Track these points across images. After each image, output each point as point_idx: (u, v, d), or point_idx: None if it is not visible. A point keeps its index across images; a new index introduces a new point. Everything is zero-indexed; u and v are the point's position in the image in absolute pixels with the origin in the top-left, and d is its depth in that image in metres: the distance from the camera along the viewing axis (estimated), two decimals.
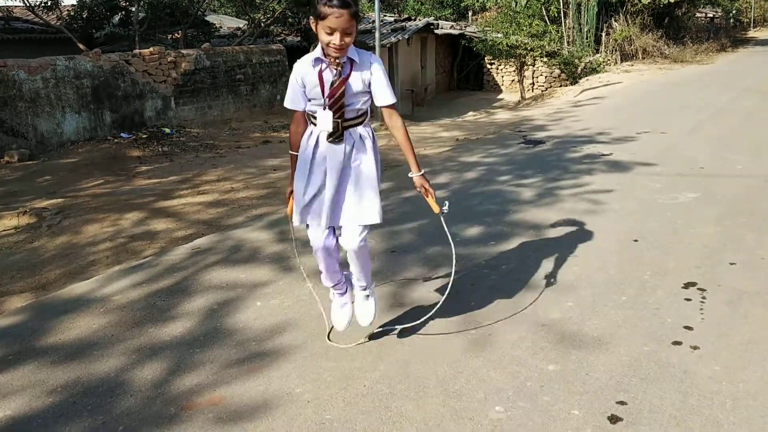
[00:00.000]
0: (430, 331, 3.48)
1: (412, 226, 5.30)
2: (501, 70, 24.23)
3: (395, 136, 2.96)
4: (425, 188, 2.98)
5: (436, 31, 22.58)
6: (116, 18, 15.87)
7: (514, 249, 4.72)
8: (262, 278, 4.35)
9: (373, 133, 2.96)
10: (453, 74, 25.71)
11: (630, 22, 24.52)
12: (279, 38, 17.70)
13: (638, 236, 4.88)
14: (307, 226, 2.99)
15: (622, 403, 2.80)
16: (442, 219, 3.08)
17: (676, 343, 3.30)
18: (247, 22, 18.57)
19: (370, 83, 2.81)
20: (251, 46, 14.27)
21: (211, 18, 19.26)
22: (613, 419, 2.69)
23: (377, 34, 14.22)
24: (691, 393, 2.86)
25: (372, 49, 14.06)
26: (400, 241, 4.97)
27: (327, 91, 2.75)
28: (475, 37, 21.99)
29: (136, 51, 11.47)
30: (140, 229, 5.78)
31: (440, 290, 3.97)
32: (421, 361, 3.17)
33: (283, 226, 5.51)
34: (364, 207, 2.89)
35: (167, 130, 10.95)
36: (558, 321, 3.56)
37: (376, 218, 2.91)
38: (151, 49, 11.51)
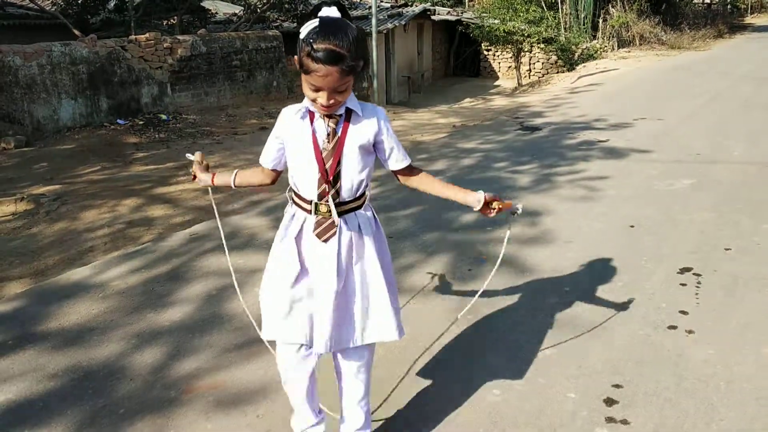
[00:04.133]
0: (427, 315, 3.51)
1: (408, 212, 5.31)
2: (498, 56, 24.18)
3: (426, 184, 2.25)
4: (491, 200, 2.19)
5: (432, 17, 22.49)
6: (111, 4, 15.77)
7: (512, 235, 4.73)
8: (258, 264, 4.35)
9: (375, 216, 2.24)
10: (449, 61, 25.65)
11: (627, 8, 24.46)
12: (275, 24, 17.62)
13: (634, 222, 4.90)
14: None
15: (617, 386, 2.83)
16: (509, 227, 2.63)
17: (672, 327, 3.33)
18: (242, 8, 18.48)
19: (375, 143, 2.11)
20: (247, 32, 14.19)
21: (207, 4, 19.16)
22: (609, 402, 2.72)
23: (374, 21, 14.18)
24: (685, 376, 2.90)
25: (368, 35, 14.01)
26: (397, 227, 4.98)
27: (318, 152, 2.05)
28: (472, 23, 21.90)
29: (132, 37, 11.40)
30: (138, 215, 5.78)
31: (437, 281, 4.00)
32: (417, 345, 3.20)
33: (278, 212, 5.50)
34: (375, 321, 2.20)
35: (164, 117, 10.91)
36: (555, 305, 3.59)
37: (393, 335, 2.22)
38: (147, 34, 11.44)
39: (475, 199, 2.17)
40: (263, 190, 2.21)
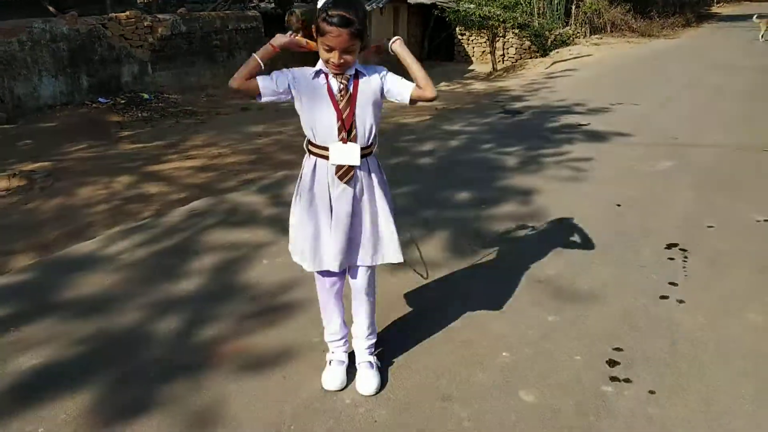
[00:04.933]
0: (434, 287, 3.69)
1: (403, 191, 5.46)
2: (472, 41, 24.32)
3: (414, 75, 2.46)
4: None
5: (408, 1, 22.53)
6: None
7: (505, 213, 4.93)
8: (263, 239, 4.49)
9: (379, 163, 2.63)
10: (424, 44, 25.73)
11: None
12: (252, 4, 17.51)
13: (621, 201, 5.13)
14: (322, 273, 2.69)
15: (618, 349, 3.05)
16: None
17: (663, 297, 3.56)
18: None
19: (382, 91, 2.48)
20: (227, 12, 14.13)
21: None
22: (611, 363, 2.94)
23: None
24: (679, 340, 3.13)
25: None
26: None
27: (336, 105, 2.41)
28: (447, 8, 22.02)
29: (113, 15, 11.29)
30: (133, 192, 5.84)
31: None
32: (427, 314, 3.37)
33: (276, 190, 5.64)
34: (383, 246, 2.63)
35: (146, 96, 10.87)
36: (552, 277, 3.80)
37: (399, 256, 2.65)
38: (128, 13, 11.35)
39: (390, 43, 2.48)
40: (243, 96, 2.48)
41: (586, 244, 4.30)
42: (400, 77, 2.48)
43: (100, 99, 10.47)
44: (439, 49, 25.53)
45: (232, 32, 13.18)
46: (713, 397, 2.70)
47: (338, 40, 2.27)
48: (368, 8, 18.43)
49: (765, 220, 4.71)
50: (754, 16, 23.35)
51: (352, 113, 2.42)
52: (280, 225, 4.70)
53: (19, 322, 3.33)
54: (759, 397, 2.69)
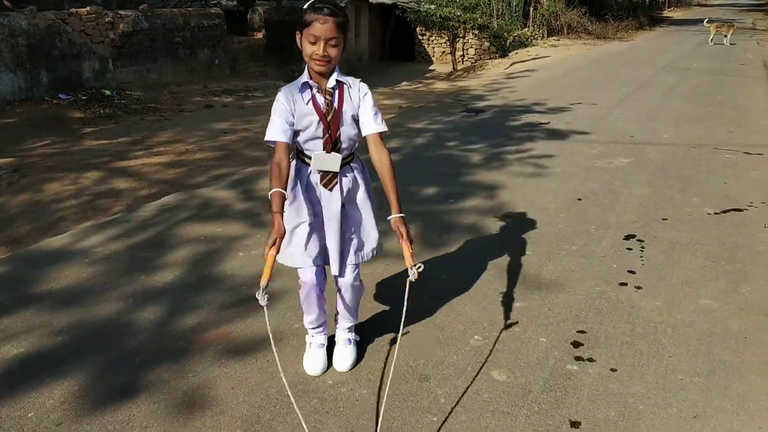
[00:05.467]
0: (407, 276, 3.82)
1: (373, 186, 5.57)
2: (432, 41, 24.59)
3: (380, 168, 2.61)
4: (401, 232, 2.59)
5: (370, 1, 22.67)
6: None
7: (472, 207, 5.10)
8: (237, 232, 4.56)
9: (364, 165, 2.77)
10: (385, 44, 25.91)
11: None
12: (214, 2, 17.44)
13: (581, 196, 5.36)
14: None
15: (581, 332, 3.23)
16: (407, 281, 2.57)
17: (623, 284, 3.77)
18: None
19: (359, 108, 2.58)
20: (189, 9, 14.06)
21: None
22: (576, 344, 3.12)
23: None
24: (638, 323, 3.33)
25: None
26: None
27: (323, 119, 2.52)
28: (409, 8, 22.24)
29: (73, 10, 11.16)
30: (103, 187, 5.85)
31: None
32: (401, 301, 3.51)
33: (246, 185, 5.71)
34: (370, 242, 2.79)
35: (107, 93, 10.76)
36: (519, 267, 3.98)
37: (377, 252, 2.85)
38: (88, 8, 11.23)
39: (393, 214, 2.61)
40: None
41: (550, 235, 4.50)
42: (374, 110, 2.58)
43: (60, 95, 10.34)
44: (399, 49, 25.74)
45: (194, 29, 13.14)
46: (670, 374, 2.89)
47: (324, 28, 2.36)
48: None
49: (715, 213, 4.98)
50: (705, 21, 24.18)
51: (337, 127, 2.54)
52: (253, 219, 4.79)
53: None
54: (712, 374, 2.89)
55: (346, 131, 2.58)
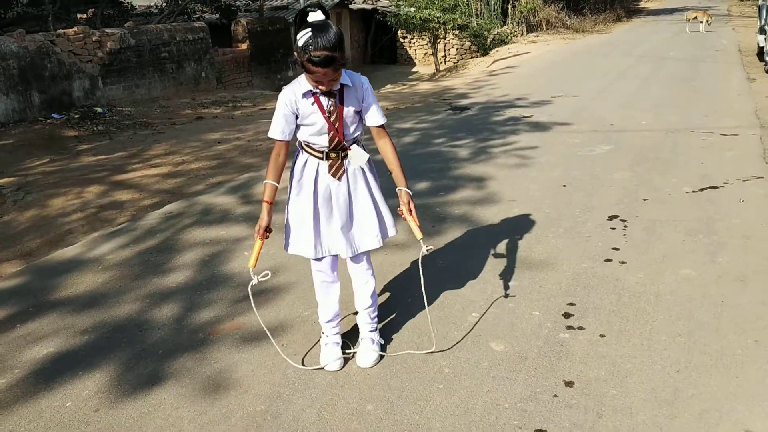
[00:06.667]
0: (405, 262, 4.06)
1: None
2: (414, 43, 24.92)
3: (384, 151, 2.86)
4: (410, 207, 2.83)
5: (350, 6, 22.95)
6: None
7: (462, 198, 5.35)
8: (241, 234, 4.79)
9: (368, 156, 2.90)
10: (367, 48, 26.19)
11: None
12: (196, 16, 17.65)
13: (566, 182, 5.62)
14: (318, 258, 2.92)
15: (571, 304, 3.48)
16: (420, 257, 2.96)
17: (608, 260, 4.02)
18: (161, 1, 18.36)
19: (362, 101, 2.77)
20: (174, 24, 14.26)
21: None
22: (566, 315, 3.37)
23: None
24: (623, 294, 3.58)
25: (291, 24, 14.34)
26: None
27: (328, 120, 2.69)
28: (389, 12, 22.53)
29: (60, 31, 11.34)
30: (106, 200, 6.05)
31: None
32: (402, 284, 3.75)
33: (244, 191, 5.93)
34: (383, 227, 2.93)
35: (99, 110, 10.95)
36: (510, 250, 4.23)
37: (393, 231, 2.98)
38: (76, 28, 11.42)
39: (400, 188, 2.85)
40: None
41: (537, 220, 4.75)
42: (375, 104, 2.80)
43: (53, 115, 10.52)
44: (382, 52, 26.05)
45: (180, 44, 13.34)
46: (654, 336, 3.15)
47: (325, 77, 2.52)
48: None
49: (693, 192, 5.25)
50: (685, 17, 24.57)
51: (342, 126, 2.73)
52: (254, 221, 4.98)
53: (23, 320, 3.57)
54: (693, 334, 3.15)
55: (349, 126, 2.76)
